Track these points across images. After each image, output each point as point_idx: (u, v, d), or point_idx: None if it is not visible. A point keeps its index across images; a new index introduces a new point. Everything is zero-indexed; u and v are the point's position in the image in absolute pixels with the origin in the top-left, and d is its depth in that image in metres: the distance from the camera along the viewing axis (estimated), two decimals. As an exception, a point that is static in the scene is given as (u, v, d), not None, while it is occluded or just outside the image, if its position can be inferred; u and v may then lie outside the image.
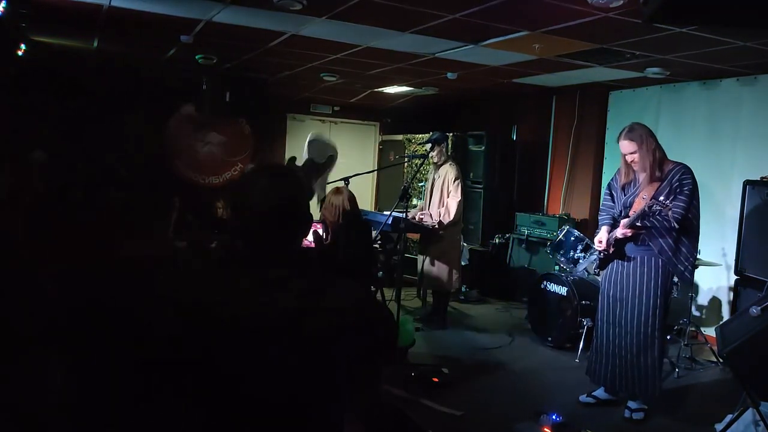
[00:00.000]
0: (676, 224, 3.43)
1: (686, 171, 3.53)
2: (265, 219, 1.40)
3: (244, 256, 1.41)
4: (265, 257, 1.39)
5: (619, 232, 3.62)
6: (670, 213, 3.39)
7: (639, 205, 3.54)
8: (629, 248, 3.67)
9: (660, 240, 3.49)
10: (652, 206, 3.41)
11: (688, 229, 3.52)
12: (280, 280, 1.34)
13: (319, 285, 1.35)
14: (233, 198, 1.44)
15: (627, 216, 3.63)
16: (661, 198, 3.42)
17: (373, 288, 4.24)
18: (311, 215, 1.52)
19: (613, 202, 3.84)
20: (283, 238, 1.42)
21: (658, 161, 3.56)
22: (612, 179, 3.93)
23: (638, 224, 3.54)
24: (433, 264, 5.42)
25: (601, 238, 3.75)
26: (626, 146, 3.60)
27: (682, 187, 3.47)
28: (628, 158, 3.62)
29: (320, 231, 2.73)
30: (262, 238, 1.40)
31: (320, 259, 1.57)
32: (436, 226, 5.32)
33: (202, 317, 1.30)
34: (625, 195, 3.71)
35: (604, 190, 4.05)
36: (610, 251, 3.71)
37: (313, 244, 1.64)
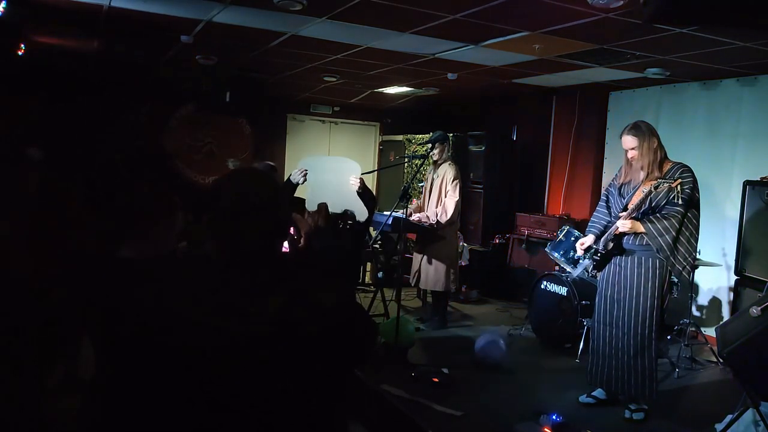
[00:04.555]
0: (682, 209, 3.43)
1: (686, 169, 3.53)
2: (243, 221, 1.39)
3: (227, 260, 1.40)
4: (246, 261, 1.39)
5: (620, 224, 3.60)
6: (675, 197, 3.40)
7: (638, 197, 3.53)
8: (627, 246, 3.66)
9: (659, 239, 3.48)
10: (658, 186, 3.41)
11: (687, 228, 3.51)
12: (265, 285, 1.33)
13: (302, 289, 1.35)
14: (211, 200, 1.43)
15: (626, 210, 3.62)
16: (665, 184, 3.42)
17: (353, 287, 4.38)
18: (290, 217, 1.51)
19: (608, 210, 3.83)
20: (262, 241, 1.41)
21: (658, 160, 3.57)
22: (609, 184, 3.93)
23: (639, 217, 3.54)
24: (430, 263, 5.42)
25: (584, 241, 3.77)
26: (628, 141, 3.61)
27: (682, 183, 3.47)
28: (629, 154, 3.63)
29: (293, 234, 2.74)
30: (241, 241, 1.40)
31: (298, 263, 1.57)
32: (434, 226, 5.32)
33: (193, 322, 1.29)
34: (622, 196, 3.71)
35: (603, 190, 4.05)
36: (609, 247, 3.70)
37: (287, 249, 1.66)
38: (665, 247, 3.47)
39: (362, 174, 4.22)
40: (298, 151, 8.49)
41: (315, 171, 4.12)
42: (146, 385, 1.34)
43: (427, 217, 5.38)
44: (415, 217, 5.42)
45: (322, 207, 1.60)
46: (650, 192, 3.44)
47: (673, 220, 3.46)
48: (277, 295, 1.32)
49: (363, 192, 4.19)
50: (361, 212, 3.84)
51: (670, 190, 3.41)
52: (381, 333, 4.58)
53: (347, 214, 1.65)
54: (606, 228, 3.75)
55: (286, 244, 1.60)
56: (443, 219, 5.30)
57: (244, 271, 1.37)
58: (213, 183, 1.48)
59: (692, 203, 3.50)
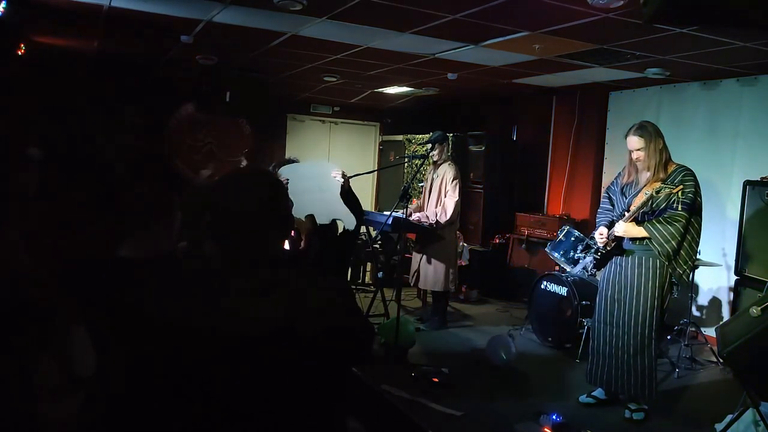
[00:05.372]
0: (683, 212, 3.44)
1: (689, 173, 3.53)
2: (243, 220, 1.39)
3: (227, 259, 1.40)
4: (247, 261, 1.39)
5: (619, 229, 3.61)
6: (677, 202, 3.41)
7: (640, 200, 3.53)
8: (627, 247, 3.67)
9: (666, 245, 3.46)
10: (659, 191, 3.41)
11: (689, 233, 3.51)
12: (266, 285, 1.33)
13: (301, 289, 1.35)
14: (212, 199, 1.43)
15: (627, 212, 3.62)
16: (666, 189, 3.42)
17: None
18: (292, 217, 1.51)
19: (612, 206, 3.84)
20: (263, 241, 1.41)
21: (663, 161, 3.56)
22: (611, 183, 3.92)
23: (639, 218, 3.55)
24: (429, 263, 5.42)
25: (602, 231, 3.75)
26: (634, 142, 3.59)
27: (685, 186, 3.47)
28: (634, 155, 3.62)
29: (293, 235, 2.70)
30: (242, 240, 1.39)
31: (298, 263, 1.57)
32: (433, 225, 5.32)
33: (193, 323, 1.29)
34: (625, 197, 3.71)
35: (603, 190, 4.05)
36: (610, 246, 3.71)
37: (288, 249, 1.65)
38: (670, 252, 3.47)
39: (361, 174, 4.16)
40: (298, 151, 8.48)
41: (293, 179, 3.91)
42: (146, 385, 1.34)
43: (427, 216, 5.38)
44: (414, 216, 5.43)
45: (309, 220, 1.61)
46: (651, 196, 3.45)
47: (678, 225, 3.45)
48: (277, 295, 1.32)
49: (346, 191, 4.04)
50: (349, 220, 3.67)
51: (671, 194, 3.42)
52: (381, 333, 4.58)
53: (335, 225, 1.64)
54: (613, 223, 3.75)
55: (287, 243, 1.60)
56: (443, 219, 5.30)
57: (244, 272, 1.37)
58: (215, 183, 1.48)
59: (695, 208, 3.50)
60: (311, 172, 3.96)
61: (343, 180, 3.89)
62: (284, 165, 4.21)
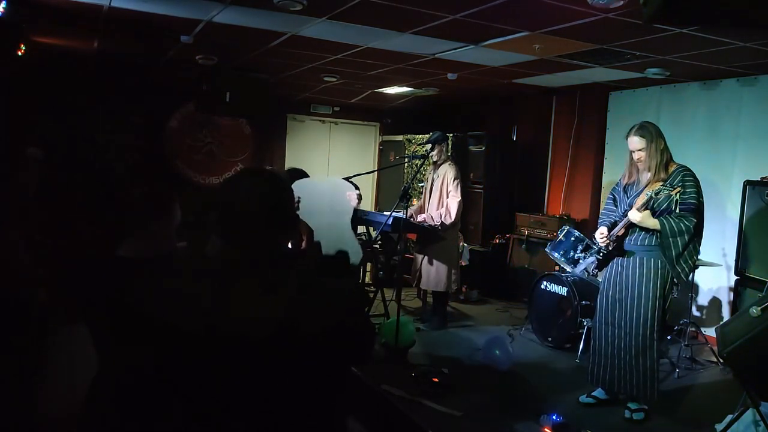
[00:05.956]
0: (682, 212, 3.44)
1: (688, 173, 3.53)
2: (249, 220, 1.39)
3: (228, 259, 1.40)
4: (249, 261, 1.39)
5: (635, 217, 3.60)
6: (676, 203, 3.41)
7: (642, 200, 3.53)
8: (628, 248, 3.67)
9: (671, 239, 3.45)
10: (659, 192, 3.42)
11: (691, 230, 3.51)
12: (266, 285, 1.33)
13: (303, 289, 1.35)
14: (217, 199, 1.43)
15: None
16: (665, 191, 3.43)
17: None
18: (297, 218, 1.51)
19: (616, 206, 3.84)
20: (267, 241, 1.41)
21: (664, 162, 3.56)
22: (616, 184, 3.92)
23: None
24: (431, 264, 5.42)
25: (603, 231, 3.75)
26: (636, 143, 3.59)
27: (686, 187, 3.47)
28: (635, 155, 3.62)
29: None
30: (246, 240, 1.39)
31: (300, 264, 1.58)
32: (438, 227, 5.32)
33: (195, 322, 1.29)
34: (627, 197, 3.71)
35: (603, 190, 4.05)
36: (611, 247, 3.71)
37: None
38: (672, 248, 3.46)
39: (361, 174, 4.11)
40: (298, 151, 8.49)
41: (305, 197, 3.74)
42: (146, 385, 1.34)
43: (431, 218, 5.37)
44: (419, 218, 5.42)
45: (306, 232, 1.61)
46: (651, 198, 3.45)
47: (689, 224, 3.44)
48: (277, 295, 1.32)
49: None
50: (356, 251, 3.57)
51: (671, 195, 3.43)
52: (381, 333, 4.58)
53: (340, 260, 1.64)
54: (615, 224, 3.74)
55: (288, 243, 1.60)
56: (447, 220, 5.30)
57: (244, 272, 1.37)
58: (223, 183, 1.48)
59: (699, 210, 3.50)
60: (324, 190, 3.83)
61: (358, 203, 3.80)
62: (294, 175, 4.05)
